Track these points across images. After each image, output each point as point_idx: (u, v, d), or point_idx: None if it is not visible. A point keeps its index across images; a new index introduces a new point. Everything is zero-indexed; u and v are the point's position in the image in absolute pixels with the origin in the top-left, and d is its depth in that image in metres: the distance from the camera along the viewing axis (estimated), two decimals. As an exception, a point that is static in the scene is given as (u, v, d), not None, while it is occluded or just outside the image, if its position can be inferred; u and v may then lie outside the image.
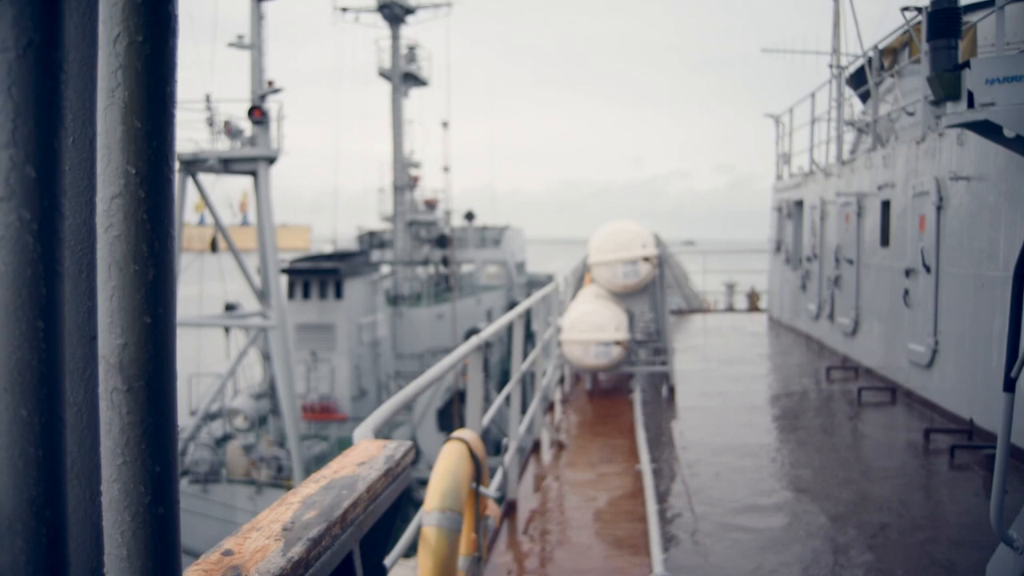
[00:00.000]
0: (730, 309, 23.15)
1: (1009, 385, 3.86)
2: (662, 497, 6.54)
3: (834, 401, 10.31)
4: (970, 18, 9.45)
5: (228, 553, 1.46)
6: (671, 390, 10.68)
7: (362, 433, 2.53)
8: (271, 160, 22.53)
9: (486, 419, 5.63)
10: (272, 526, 1.57)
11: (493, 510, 3.86)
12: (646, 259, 10.39)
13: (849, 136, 15.34)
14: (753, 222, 19.42)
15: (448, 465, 3.26)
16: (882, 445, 8.46)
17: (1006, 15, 7.72)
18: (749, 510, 6.34)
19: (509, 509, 6.38)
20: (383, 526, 1.92)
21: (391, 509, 1.97)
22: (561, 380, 11.39)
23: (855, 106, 15.93)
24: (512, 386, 6.87)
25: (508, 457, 6.46)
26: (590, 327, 10.16)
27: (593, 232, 10.97)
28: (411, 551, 3.60)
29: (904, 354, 10.04)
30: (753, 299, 22.91)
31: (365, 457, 1.96)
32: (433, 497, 3.14)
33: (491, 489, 3.75)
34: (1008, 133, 6.89)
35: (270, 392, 23.72)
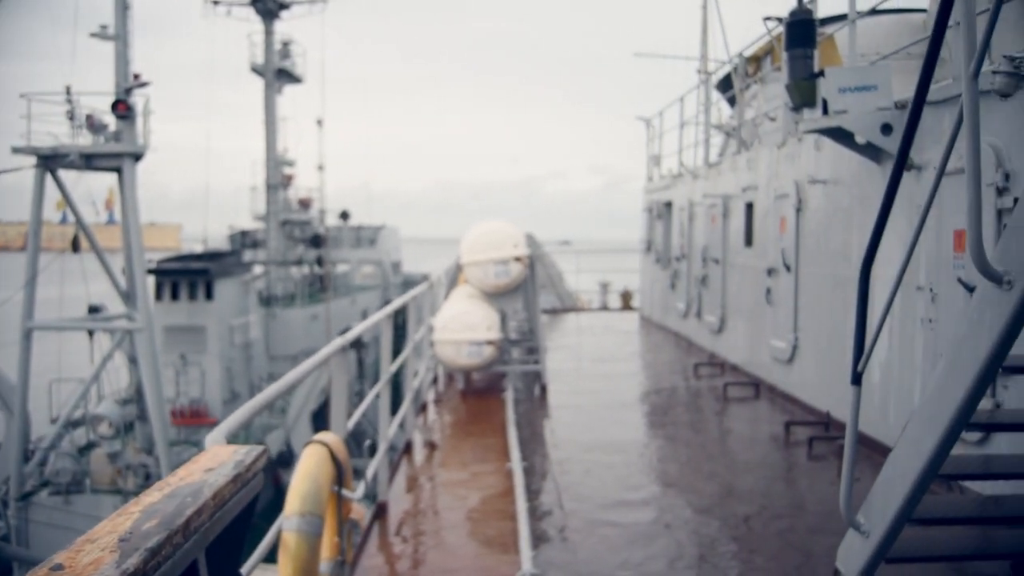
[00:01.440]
0: (604, 308, 23.58)
1: (856, 379, 4.05)
2: (533, 495, 6.59)
3: (701, 397, 10.62)
4: (826, 30, 9.89)
5: (58, 568, 1.39)
6: (543, 389, 10.79)
7: (214, 439, 2.46)
8: (137, 156, 21.73)
9: (352, 421, 5.56)
10: (108, 537, 1.50)
11: (358, 513, 3.81)
12: (517, 259, 10.46)
13: (719, 140, 15.85)
14: (627, 222, 19.86)
15: (308, 469, 3.20)
16: (746, 438, 8.75)
17: (858, 28, 8.10)
18: (618, 505, 6.45)
19: (380, 511, 6.32)
20: (233, 533, 1.86)
21: (242, 514, 1.91)
22: (435, 380, 11.37)
23: (724, 110, 16.47)
24: (381, 386, 6.82)
25: (378, 458, 6.39)
26: (462, 327, 10.17)
27: (466, 232, 10.99)
28: (275, 557, 3.52)
29: (767, 350, 10.42)
30: (626, 298, 23.37)
31: (214, 463, 1.91)
32: (292, 502, 3.07)
33: (356, 492, 3.70)
34: (859, 140, 7.23)
35: (137, 397, 22.86)
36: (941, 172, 3.43)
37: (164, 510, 1.61)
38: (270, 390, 3.29)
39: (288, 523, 3.04)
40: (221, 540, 1.77)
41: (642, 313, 19.45)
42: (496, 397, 10.36)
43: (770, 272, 10.20)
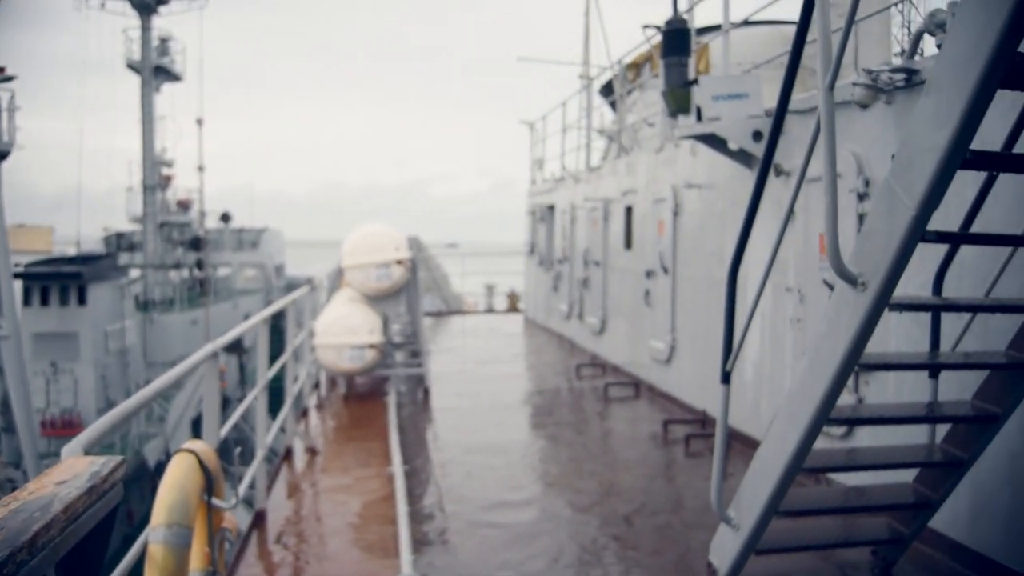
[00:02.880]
0: (490, 310, 23.67)
1: (725, 378, 4.18)
2: (415, 499, 6.56)
3: (583, 397, 10.77)
4: (702, 39, 10.18)
5: None
6: (426, 392, 10.76)
7: (71, 450, 2.37)
8: (3, 154, 20.81)
9: (225, 429, 5.43)
10: (-53, 558, 1.44)
11: (231, 522, 3.72)
12: (399, 262, 10.41)
13: (602, 144, 16.11)
14: (514, 225, 20.02)
15: (175, 478, 3.11)
16: (626, 437, 8.93)
17: (732, 39, 8.36)
18: (499, 506, 6.49)
19: (258, 519, 6.19)
20: (89, 547, 1.80)
21: (99, 528, 1.85)
22: (317, 385, 11.21)
23: (607, 115, 16.76)
24: (257, 392, 6.69)
25: (255, 465, 6.27)
26: (343, 331, 10.06)
27: (347, 235, 10.89)
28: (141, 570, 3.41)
29: (646, 351, 10.65)
30: (512, 300, 23.52)
31: (68, 475, 1.84)
32: (159, 512, 2.98)
33: (230, 500, 3.62)
34: (732, 146, 7.47)
35: (2, 408, 21.83)
36: (801, 178, 3.57)
37: (9, 526, 1.55)
38: (133, 399, 3.19)
39: (154, 535, 2.94)
40: (75, 555, 1.71)
41: (526, 315, 19.61)
42: (379, 401, 10.28)
43: (649, 274, 10.43)
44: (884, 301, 3.14)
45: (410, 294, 11.17)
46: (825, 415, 3.58)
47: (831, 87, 3.20)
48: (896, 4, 7.25)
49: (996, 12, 2.57)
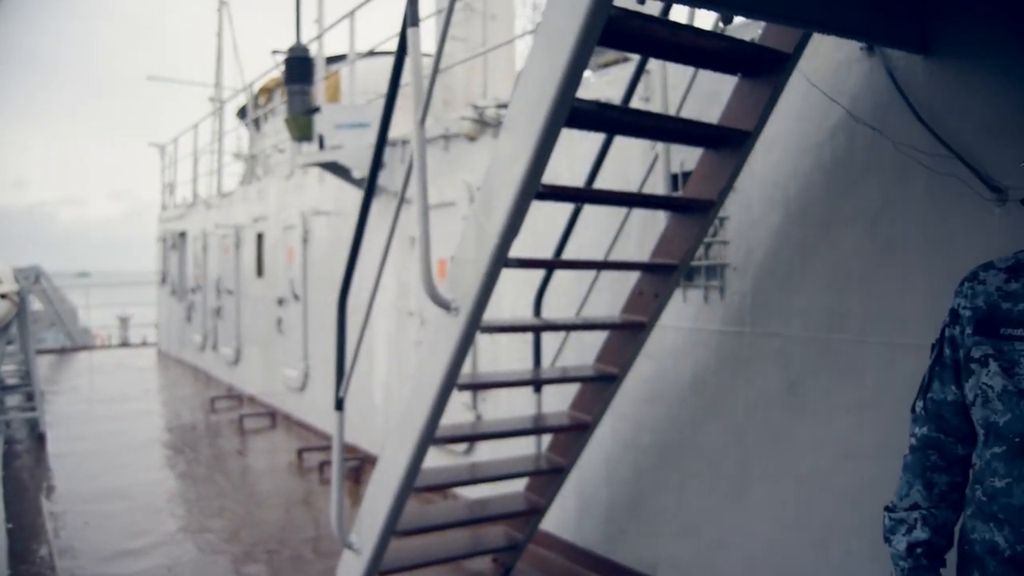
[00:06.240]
0: (124, 344, 22.04)
1: (338, 404, 4.24)
2: (21, 559, 5.96)
3: (219, 431, 10.38)
4: (332, 68, 10.29)
5: None
6: (41, 437, 9.83)
7: None
8: None
9: None
10: None
11: None
12: (3, 296, 9.45)
13: (239, 168, 15.71)
14: (151, 252, 18.87)
15: None
16: (261, 470, 8.72)
17: (359, 68, 8.54)
18: (118, 556, 6.07)
19: None
20: None
21: None
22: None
23: (245, 139, 16.39)
24: None
25: None
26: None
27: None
28: None
29: (281, 380, 10.50)
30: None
31: None
32: None
33: None
34: (356, 175, 7.61)
35: None
36: (400, 204, 3.73)
37: None
38: None
39: None
40: None
41: (160, 348, 18.57)
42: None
43: (281, 302, 10.32)
44: (475, 324, 3.35)
45: (21, 331, 10.16)
46: (431, 434, 3.74)
47: (422, 122, 3.37)
48: (521, 37, 7.74)
49: (558, 62, 2.84)
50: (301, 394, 9.92)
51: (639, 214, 4.89)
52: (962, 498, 2.00)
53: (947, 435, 2.00)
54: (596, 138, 4.54)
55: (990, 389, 1.83)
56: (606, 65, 5.67)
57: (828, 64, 3.87)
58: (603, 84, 5.31)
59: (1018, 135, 3.17)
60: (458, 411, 6.37)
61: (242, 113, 15.37)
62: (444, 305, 3.34)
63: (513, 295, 5.71)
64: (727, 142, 3.76)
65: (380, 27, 8.92)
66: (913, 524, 2.00)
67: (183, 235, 16.16)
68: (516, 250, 3.33)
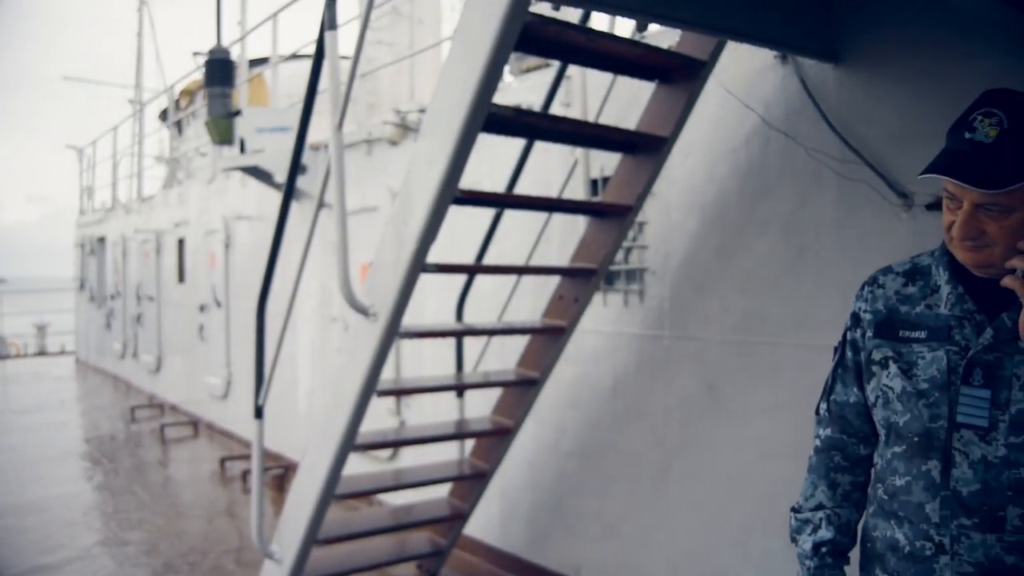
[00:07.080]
0: (42, 353, 21.34)
1: (258, 412, 4.18)
2: None
3: (139, 441, 10.15)
4: (255, 71, 10.14)
5: None
6: (-52, 451, 9.51)
7: None
8: None
9: None
10: None
11: None
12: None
13: (162, 172, 15.35)
14: (69, 258, 18.34)
15: None
16: (183, 480, 8.55)
17: (283, 71, 8.43)
18: (34, 572, 5.89)
19: None
20: None
21: None
22: None
23: (167, 142, 16.03)
24: None
25: None
26: None
27: None
28: None
29: (203, 388, 10.31)
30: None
31: None
32: None
33: None
34: (277, 179, 7.51)
35: None
36: (318, 209, 3.71)
37: None
38: None
39: None
40: None
41: (78, 356, 18.08)
42: None
43: (202, 308, 10.13)
44: (394, 329, 3.34)
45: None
46: (351, 441, 3.70)
47: (339, 126, 3.35)
48: (447, 40, 7.71)
49: (474, 67, 2.85)
50: (224, 402, 9.75)
51: (560, 219, 4.92)
52: (864, 497, 2.05)
53: (850, 436, 2.04)
54: (517, 144, 4.56)
55: (890, 390, 1.87)
56: (528, 70, 5.69)
57: (743, 72, 3.94)
58: (524, 89, 5.33)
59: (923, 142, 3.27)
60: (382, 417, 6.33)
61: (163, 116, 15.04)
62: (362, 310, 3.31)
63: (436, 301, 5.70)
64: (645, 147, 3.81)
65: (305, 30, 8.83)
66: (818, 524, 2.04)
67: (102, 240, 15.76)
68: (437, 256, 3.32)
